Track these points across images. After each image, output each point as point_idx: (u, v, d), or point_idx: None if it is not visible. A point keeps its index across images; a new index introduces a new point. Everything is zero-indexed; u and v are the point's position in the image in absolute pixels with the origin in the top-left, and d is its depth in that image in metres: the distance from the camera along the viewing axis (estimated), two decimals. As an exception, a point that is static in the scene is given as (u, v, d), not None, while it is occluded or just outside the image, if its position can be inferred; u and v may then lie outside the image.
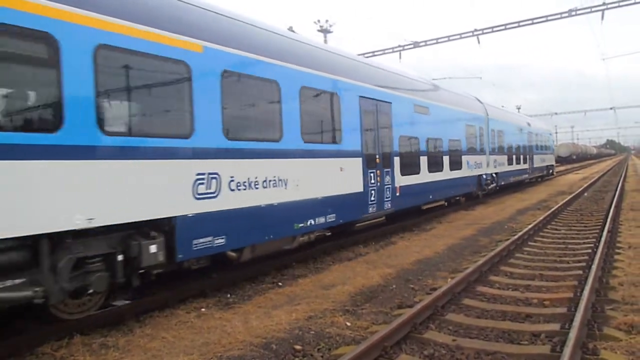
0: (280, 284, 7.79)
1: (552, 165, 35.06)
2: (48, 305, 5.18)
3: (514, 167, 23.53)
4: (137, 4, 6.16)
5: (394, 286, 7.33)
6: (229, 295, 7.18)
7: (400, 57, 24.43)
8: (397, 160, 11.92)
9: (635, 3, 21.10)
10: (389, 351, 4.74)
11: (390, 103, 11.81)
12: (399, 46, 24.70)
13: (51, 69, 5.07)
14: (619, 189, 21.09)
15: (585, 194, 21.14)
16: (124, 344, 5.29)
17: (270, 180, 7.85)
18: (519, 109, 58.11)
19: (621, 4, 21.25)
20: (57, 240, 5.11)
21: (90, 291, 5.42)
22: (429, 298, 5.95)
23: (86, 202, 5.27)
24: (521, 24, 23.21)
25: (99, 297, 5.88)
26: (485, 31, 23.33)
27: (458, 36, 23.85)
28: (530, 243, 10.24)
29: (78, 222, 5.18)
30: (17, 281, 4.82)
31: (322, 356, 4.86)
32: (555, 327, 5.21)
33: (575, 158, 78.62)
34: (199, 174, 6.59)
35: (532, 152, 27.50)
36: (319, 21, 31.94)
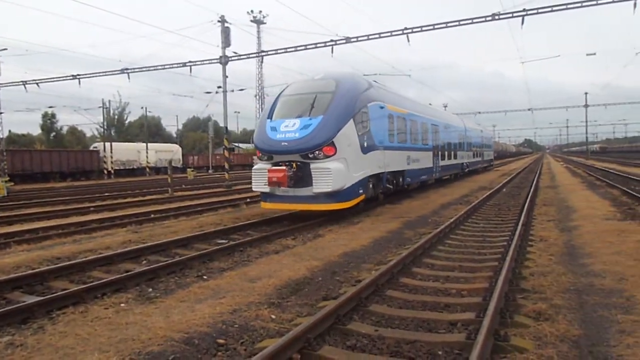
0: (205, 277, 7.64)
1: (492, 159, 51.55)
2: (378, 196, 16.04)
3: (475, 159, 36.78)
4: (399, 104, 18.04)
5: (320, 279, 7.38)
6: (150, 290, 6.95)
7: (332, 52, 24.59)
8: (439, 152, 23.76)
9: (551, 11, 22.44)
10: (312, 343, 4.76)
11: (438, 125, 23.94)
12: (331, 41, 24.85)
13: (390, 122, 16.57)
14: (534, 185, 22.46)
15: (504, 190, 22.32)
16: (34, 343, 4.97)
17: (414, 159, 18.92)
18: (445, 107, 60.26)
19: (539, 10, 22.53)
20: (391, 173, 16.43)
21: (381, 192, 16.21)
22: (353, 290, 6.03)
23: (394, 163, 16.49)
24: (449, 24, 24.05)
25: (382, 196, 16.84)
26: (414, 30, 23.96)
27: (389, 34, 24.33)
28: (451, 236, 10.66)
29: (392, 169, 16.31)
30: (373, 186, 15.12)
31: (245, 350, 4.80)
32: (471, 315, 5.44)
33: (496, 155, 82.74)
34: (407, 156, 17.85)
35: (482, 149, 41.24)
36: (252, 11, 31.73)
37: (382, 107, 15.41)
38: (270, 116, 13.87)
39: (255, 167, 13.61)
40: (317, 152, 12.54)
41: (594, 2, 21.85)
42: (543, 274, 7.09)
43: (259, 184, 13.21)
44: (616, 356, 4.33)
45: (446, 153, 25.44)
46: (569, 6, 22.17)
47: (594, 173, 33.09)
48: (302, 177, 12.65)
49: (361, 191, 13.72)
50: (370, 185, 14.54)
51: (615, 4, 21.63)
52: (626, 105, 78.41)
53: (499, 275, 6.61)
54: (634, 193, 17.22)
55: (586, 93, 69.52)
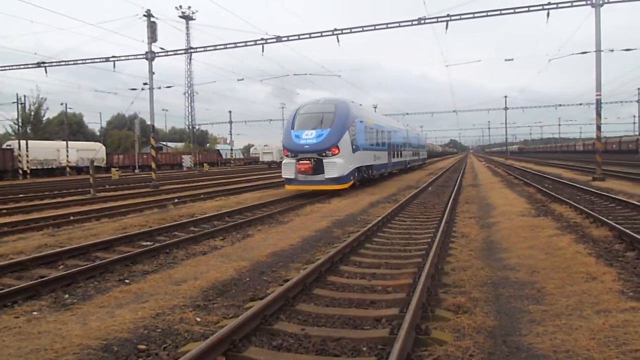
0: (127, 281, 7.34)
1: (426, 158, 60.69)
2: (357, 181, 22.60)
3: (414, 157, 44.36)
4: (369, 118, 25.58)
5: (247, 279, 7.30)
6: (66, 296, 6.57)
7: (262, 51, 24.44)
8: (392, 152, 30.40)
9: (473, 17, 23.52)
10: (237, 344, 4.69)
11: (391, 131, 30.44)
12: (262, 39, 24.72)
13: (366, 131, 23.75)
14: (457, 184, 23.43)
15: (430, 189, 23.11)
16: None
17: (377, 157, 25.80)
18: (375, 107, 61.56)
19: (462, 16, 23.55)
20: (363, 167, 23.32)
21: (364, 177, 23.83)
22: (280, 289, 6.01)
23: (367, 160, 23.58)
24: (377, 27, 24.59)
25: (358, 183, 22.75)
26: (344, 31, 24.30)
27: (319, 34, 24.55)
28: (379, 234, 10.89)
29: (366, 164, 23.44)
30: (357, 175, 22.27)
31: (167, 354, 4.65)
32: (395, 311, 5.57)
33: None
34: (374, 155, 25.08)
35: (419, 149, 48.95)
36: (180, 7, 30.96)
37: (361, 121, 22.59)
38: (293, 127, 20.61)
39: (284, 162, 20.64)
40: (327, 151, 19.54)
41: (512, 11, 23.12)
42: (463, 269, 7.41)
43: (288, 173, 20.12)
44: (527, 344, 4.58)
45: (396, 152, 32.77)
46: (489, 13, 23.33)
47: (512, 172, 35.05)
48: (317, 167, 19.56)
49: (352, 178, 20.74)
50: (356, 174, 21.44)
51: (531, 12, 23.02)
52: (542, 108, 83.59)
53: (422, 271, 6.81)
54: (547, 191, 18.40)
55: (505, 96, 73.36)
